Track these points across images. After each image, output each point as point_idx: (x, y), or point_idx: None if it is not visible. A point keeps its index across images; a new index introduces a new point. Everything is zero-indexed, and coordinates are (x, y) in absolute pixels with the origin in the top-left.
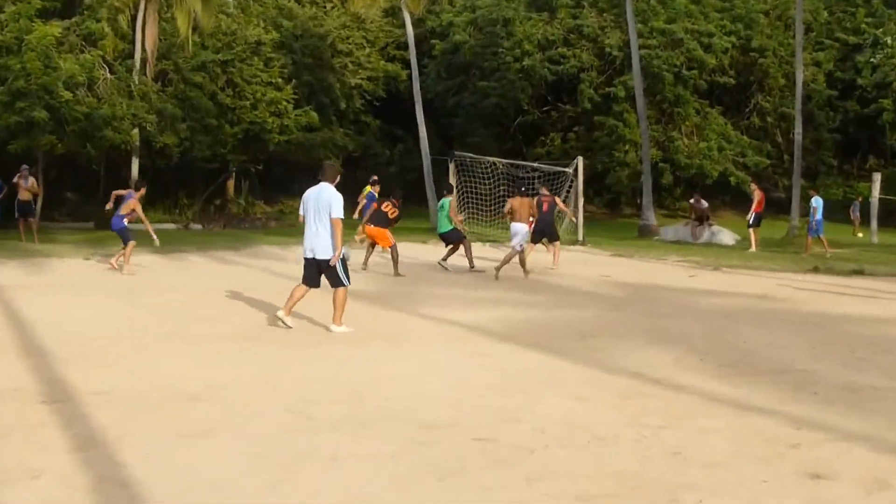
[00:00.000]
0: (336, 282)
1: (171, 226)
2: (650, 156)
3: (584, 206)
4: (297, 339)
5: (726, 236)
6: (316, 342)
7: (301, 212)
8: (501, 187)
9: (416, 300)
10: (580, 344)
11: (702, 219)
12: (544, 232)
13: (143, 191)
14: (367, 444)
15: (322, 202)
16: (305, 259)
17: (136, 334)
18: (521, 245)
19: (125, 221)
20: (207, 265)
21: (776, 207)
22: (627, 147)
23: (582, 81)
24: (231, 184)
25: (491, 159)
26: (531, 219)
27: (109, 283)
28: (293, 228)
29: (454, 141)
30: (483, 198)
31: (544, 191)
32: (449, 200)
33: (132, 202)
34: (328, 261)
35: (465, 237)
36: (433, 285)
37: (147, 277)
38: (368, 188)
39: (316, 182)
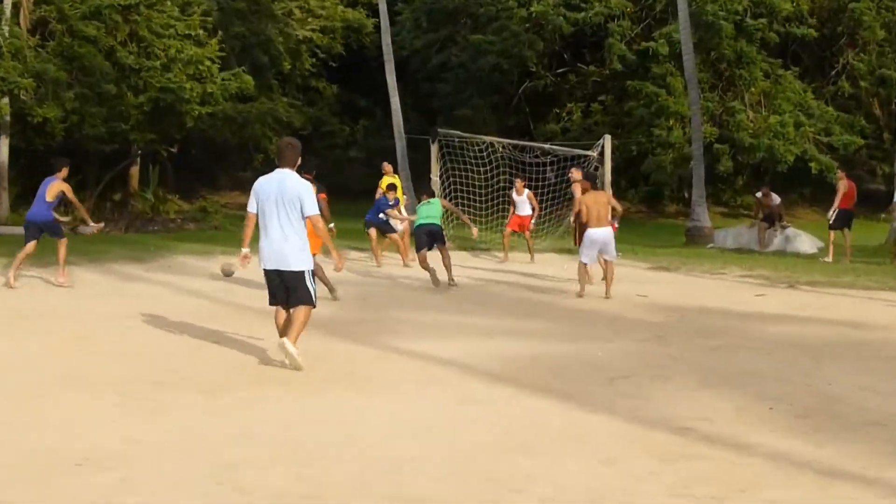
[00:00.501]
0: (304, 298)
1: None
2: (702, 134)
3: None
4: (229, 381)
5: (805, 242)
6: (255, 383)
7: (251, 209)
8: (501, 177)
9: (387, 329)
10: (607, 388)
11: (772, 219)
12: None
13: (65, 171)
14: None
15: (288, 196)
16: (266, 272)
17: (15, 377)
18: (593, 258)
19: (53, 213)
20: (105, 283)
21: (873, 203)
22: (672, 122)
23: (610, 34)
24: (135, 172)
25: (487, 139)
26: (613, 221)
27: None
28: (220, 234)
29: (437, 115)
30: (476, 191)
31: (575, 174)
32: (438, 201)
33: (56, 185)
34: (301, 273)
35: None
36: (408, 308)
37: (25, 299)
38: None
39: (271, 169)
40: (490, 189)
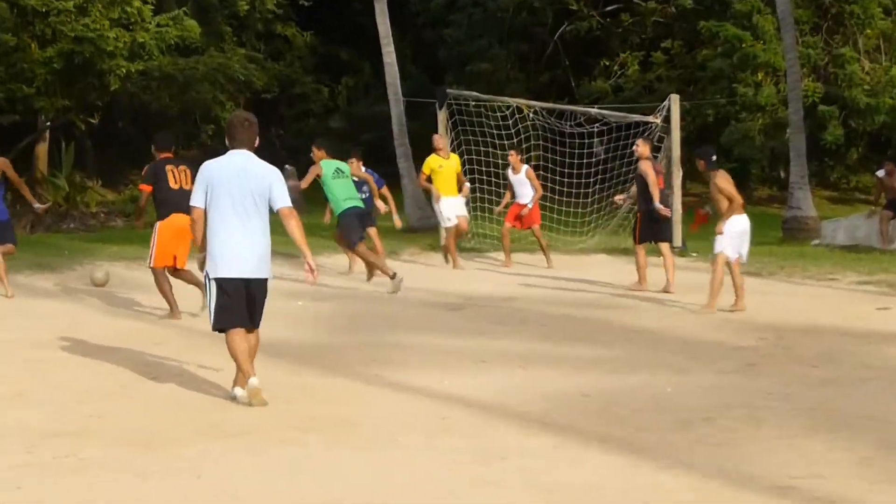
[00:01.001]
0: (258, 319)
1: None
2: (802, 93)
3: (682, 183)
4: (172, 430)
5: None
6: (206, 433)
7: (199, 203)
8: (533, 152)
9: (382, 358)
10: (680, 435)
11: None
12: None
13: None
14: None
15: (255, 184)
16: (225, 282)
17: None
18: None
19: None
20: (2, 299)
21: None
22: (761, 77)
23: None
24: (43, 151)
25: (513, 101)
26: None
27: None
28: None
29: (446, 71)
30: (498, 171)
31: (643, 149)
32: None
33: None
34: (266, 282)
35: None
36: (411, 331)
37: None
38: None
39: (222, 150)
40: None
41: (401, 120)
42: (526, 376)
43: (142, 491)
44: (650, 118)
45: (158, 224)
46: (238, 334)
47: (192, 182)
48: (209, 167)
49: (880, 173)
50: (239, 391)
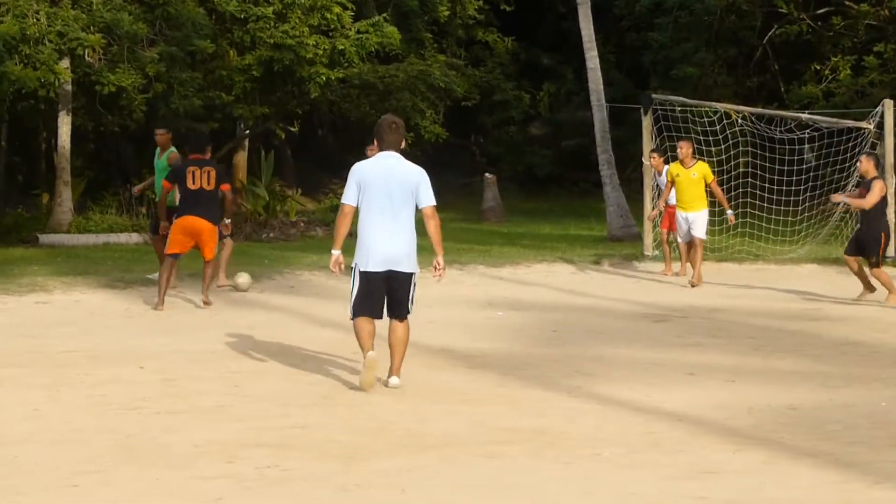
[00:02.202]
0: (404, 311)
1: (132, 236)
2: None
3: None
4: (370, 443)
5: None
6: (403, 447)
7: (349, 201)
8: (741, 158)
9: (584, 371)
10: (894, 452)
11: None
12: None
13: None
14: None
15: (403, 185)
16: (371, 275)
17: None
18: None
19: None
20: (201, 310)
21: None
22: None
23: None
24: (242, 160)
25: (721, 107)
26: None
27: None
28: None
29: (650, 76)
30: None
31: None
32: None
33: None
34: (411, 276)
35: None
36: (612, 343)
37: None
38: None
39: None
40: (725, 174)
41: (604, 126)
42: (734, 390)
43: (341, 501)
44: (863, 124)
45: (175, 219)
46: (366, 321)
47: (215, 183)
48: (361, 168)
49: None
50: (395, 380)
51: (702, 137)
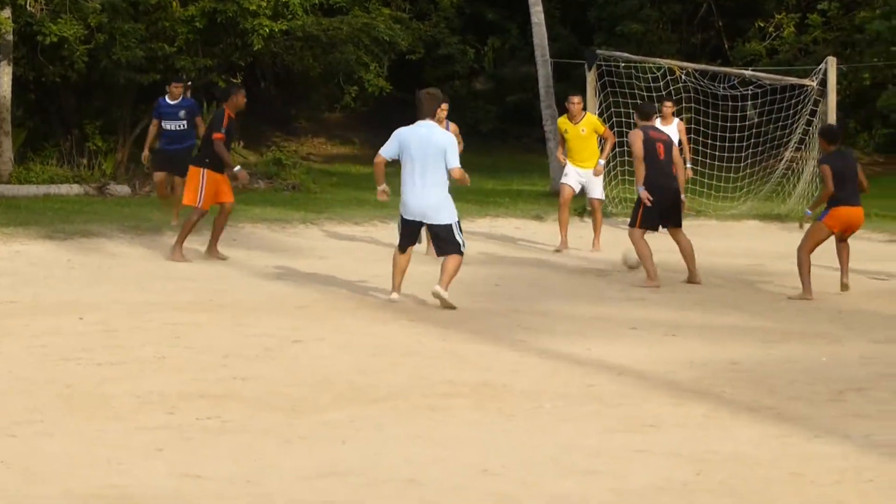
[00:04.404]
0: (453, 248)
1: (73, 187)
2: None
3: None
4: (314, 397)
5: None
6: (350, 400)
7: (386, 154)
8: (684, 115)
9: (528, 325)
10: (834, 406)
11: None
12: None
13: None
14: None
15: (434, 149)
16: (406, 221)
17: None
18: None
19: None
20: (148, 261)
21: None
22: None
23: None
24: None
25: (665, 63)
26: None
27: None
28: (300, 196)
29: (595, 31)
30: None
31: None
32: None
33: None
34: (449, 226)
35: None
36: (557, 298)
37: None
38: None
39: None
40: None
41: (548, 82)
42: (676, 344)
43: (287, 455)
44: (806, 81)
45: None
46: (402, 257)
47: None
48: (402, 132)
49: None
50: (438, 287)
51: (645, 94)
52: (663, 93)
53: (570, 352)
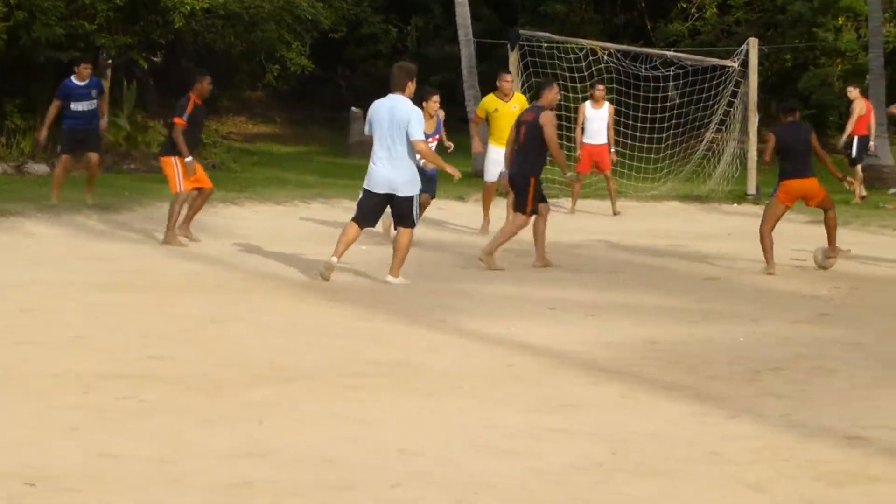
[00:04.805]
0: (408, 221)
1: None
2: (883, 38)
3: (758, 130)
4: (234, 377)
5: None
6: (266, 380)
7: (367, 132)
8: (606, 95)
9: (448, 305)
10: (751, 385)
11: None
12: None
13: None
14: None
15: (399, 121)
16: (368, 193)
17: None
18: None
19: None
20: (62, 241)
21: None
22: (841, 21)
23: None
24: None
25: (587, 43)
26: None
27: None
28: (220, 175)
29: (519, 11)
30: (570, 115)
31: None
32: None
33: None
34: (411, 199)
35: None
36: (477, 279)
37: None
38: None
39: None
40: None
41: (471, 62)
42: (595, 324)
43: (204, 435)
44: (727, 62)
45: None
46: (353, 228)
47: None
48: (372, 106)
49: None
50: (390, 278)
51: (567, 74)
52: (585, 73)
53: (490, 332)
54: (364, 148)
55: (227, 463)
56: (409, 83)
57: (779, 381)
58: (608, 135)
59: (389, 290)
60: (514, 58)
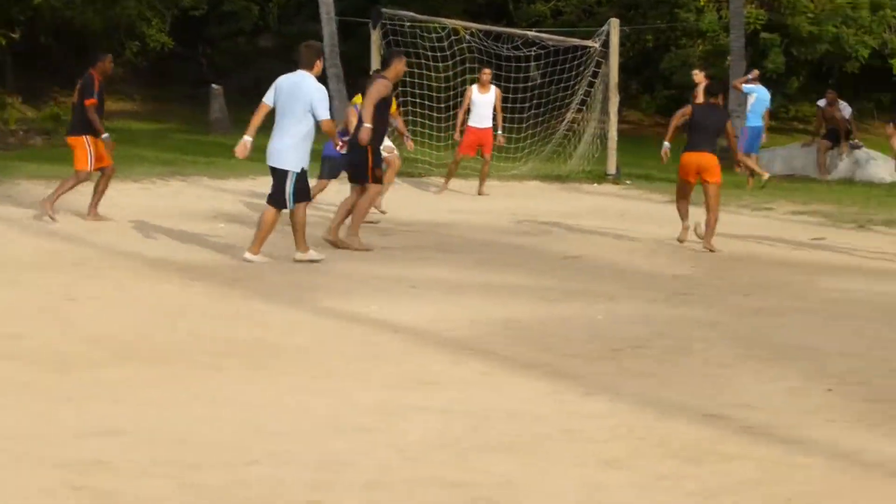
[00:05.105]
0: (273, 200)
1: None
2: (744, 19)
3: (619, 111)
4: (88, 355)
5: (881, 168)
6: (123, 358)
7: (266, 101)
8: (468, 75)
9: (311, 285)
10: (609, 364)
11: (837, 136)
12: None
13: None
14: None
15: (300, 97)
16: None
17: None
18: None
19: None
20: None
21: None
22: (702, 2)
23: None
24: None
25: (449, 23)
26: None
27: None
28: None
29: None
30: (433, 94)
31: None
32: None
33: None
34: (285, 173)
35: None
36: (343, 259)
37: None
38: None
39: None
40: (452, 92)
41: (333, 40)
42: (455, 303)
43: (58, 414)
44: (589, 42)
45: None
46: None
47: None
48: (279, 79)
49: (821, 103)
50: (246, 254)
51: (429, 53)
52: (447, 52)
53: (350, 310)
54: (223, 126)
55: (80, 442)
56: (318, 61)
57: (636, 359)
58: (496, 118)
59: (249, 268)
60: (376, 37)
